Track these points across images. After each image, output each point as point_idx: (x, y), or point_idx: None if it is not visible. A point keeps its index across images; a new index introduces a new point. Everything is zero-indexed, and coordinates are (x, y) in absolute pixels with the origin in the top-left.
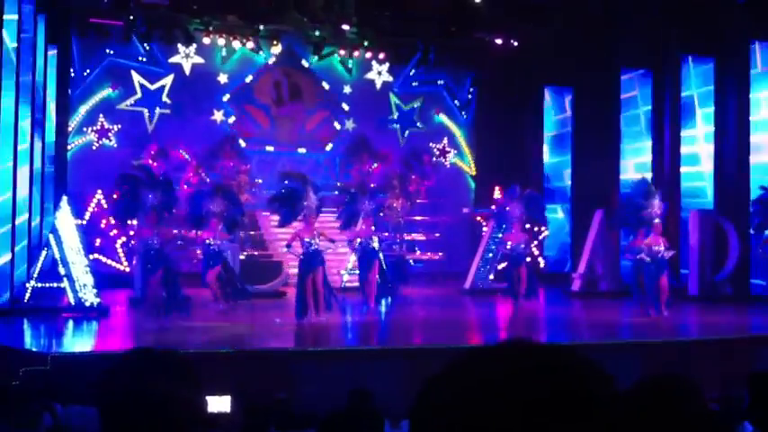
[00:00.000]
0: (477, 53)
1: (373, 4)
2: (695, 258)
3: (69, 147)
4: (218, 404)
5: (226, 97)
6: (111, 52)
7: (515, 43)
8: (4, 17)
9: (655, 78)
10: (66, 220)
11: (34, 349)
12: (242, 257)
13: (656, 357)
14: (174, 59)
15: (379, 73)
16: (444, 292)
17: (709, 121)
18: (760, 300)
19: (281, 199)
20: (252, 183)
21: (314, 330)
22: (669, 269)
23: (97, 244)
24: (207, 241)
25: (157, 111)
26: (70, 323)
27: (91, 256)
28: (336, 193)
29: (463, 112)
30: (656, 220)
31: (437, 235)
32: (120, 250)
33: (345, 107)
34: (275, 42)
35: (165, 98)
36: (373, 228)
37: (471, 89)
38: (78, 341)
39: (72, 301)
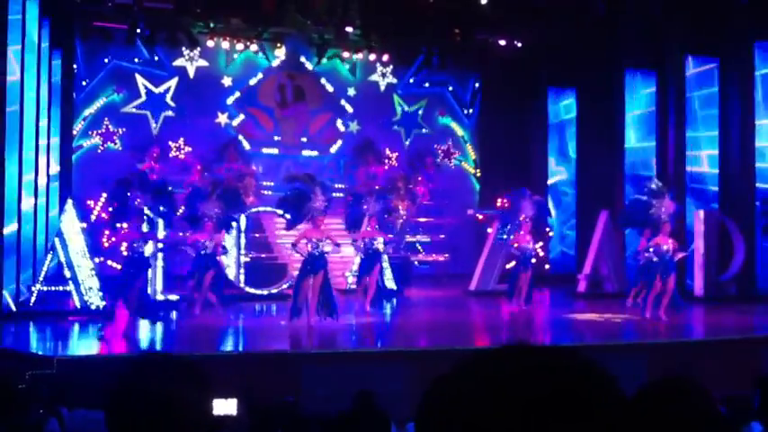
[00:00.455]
0: (480, 54)
1: (377, 6)
2: (700, 259)
3: (74, 150)
4: (225, 407)
5: (230, 100)
6: (115, 56)
7: (519, 44)
8: (9, 18)
9: (658, 78)
10: (71, 224)
11: (40, 353)
12: (246, 260)
13: (661, 358)
14: (178, 63)
15: (383, 75)
16: (449, 293)
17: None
18: (766, 300)
19: (288, 201)
20: (258, 185)
21: (320, 333)
22: (676, 272)
23: (106, 245)
24: (203, 242)
25: (162, 114)
26: (76, 326)
27: (96, 260)
28: (341, 195)
29: (467, 113)
30: (665, 221)
31: (442, 236)
32: (125, 253)
33: (349, 109)
34: (279, 45)
35: (169, 101)
36: (377, 228)
37: (475, 90)
38: (84, 344)
39: (78, 304)
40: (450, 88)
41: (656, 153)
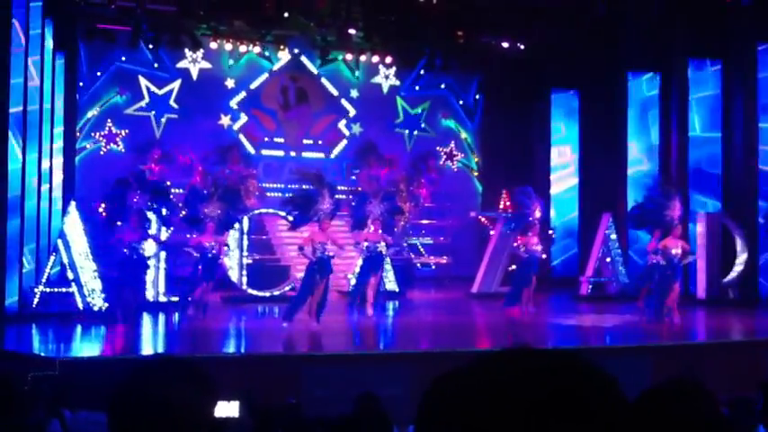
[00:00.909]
0: (483, 56)
1: (380, 8)
2: (703, 261)
3: (77, 152)
4: (227, 409)
5: (233, 102)
6: (119, 58)
7: (522, 46)
8: (12, 22)
9: (662, 81)
10: (74, 226)
11: (43, 354)
12: (249, 262)
13: (664, 361)
14: (181, 64)
15: (386, 77)
16: (451, 296)
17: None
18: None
19: (294, 201)
20: (259, 187)
21: (322, 335)
22: (681, 275)
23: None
24: (203, 245)
25: (165, 116)
26: (78, 328)
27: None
28: (343, 197)
29: (470, 115)
30: (676, 223)
31: (444, 239)
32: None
33: (352, 111)
34: (282, 47)
35: (172, 103)
36: (380, 231)
37: (478, 92)
38: (87, 346)
39: (80, 305)
40: (453, 90)
41: (658, 155)
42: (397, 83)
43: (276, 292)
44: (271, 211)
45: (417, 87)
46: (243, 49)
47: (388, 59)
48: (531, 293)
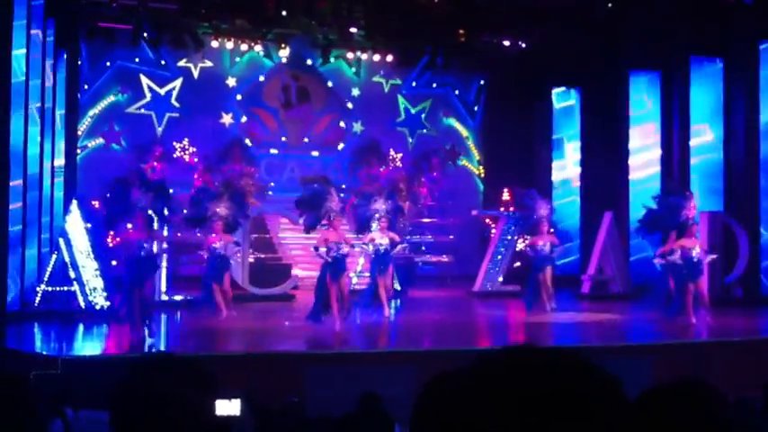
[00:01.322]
0: (485, 55)
1: (381, 6)
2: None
3: (79, 151)
4: (229, 407)
5: (234, 100)
6: (120, 57)
7: (523, 45)
8: (14, 22)
9: (663, 80)
10: (76, 224)
11: (45, 353)
12: (250, 260)
13: (667, 360)
14: (182, 63)
15: (387, 76)
16: (453, 294)
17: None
18: None
19: (305, 202)
20: (258, 186)
21: (324, 333)
22: (705, 273)
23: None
24: (214, 245)
25: (166, 114)
26: (80, 326)
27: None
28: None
29: (471, 114)
30: (691, 222)
31: (447, 237)
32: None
33: (353, 110)
34: (283, 45)
35: (173, 102)
36: (387, 229)
37: (479, 91)
38: (89, 344)
39: (82, 304)
40: (455, 89)
41: (660, 155)
42: (399, 81)
43: (278, 291)
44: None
45: (419, 85)
46: (244, 47)
47: (390, 58)
48: (549, 291)
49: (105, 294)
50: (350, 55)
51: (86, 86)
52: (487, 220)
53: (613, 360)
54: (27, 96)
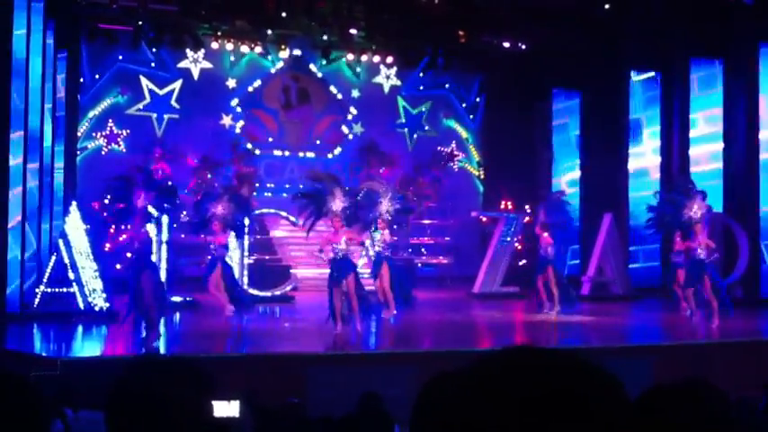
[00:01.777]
0: (485, 56)
1: (381, 8)
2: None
3: (78, 152)
4: (228, 409)
5: (234, 102)
6: (121, 58)
7: (523, 46)
8: (14, 23)
9: (663, 81)
10: (75, 225)
11: (44, 354)
12: (250, 262)
13: (668, 361)
14: (182, 64)
15: (388, 77)
16: (453, 295)
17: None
18: None
19: (306, 196)
20: (255, 187)
21: (325, 334)
22: (714, 273)
23: (106, 248)
24: (211, 246)
25: (166, 116)
26: (80, 328)
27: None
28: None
29: (471, 116)
30: (697, 222)
31: (447, 239)
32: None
33: (353, 111)
34: (283, 47)
35: (173, 103)
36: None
37: (479, 92)
38: (88, 345)
39: (81, 305)
40: (455, 90)
41: (660, 155)
42: (399, 83)
43: (277, 292)
44: (272, 210)
45: (419, 86)
46: (244, 49)
47: (390, 59)
48: (554, 292)
49: (104, 296)
50: (350, 56)
51: (85, 85)
52: (483, 219)
53: (613, 360)
54: (27, 97)
